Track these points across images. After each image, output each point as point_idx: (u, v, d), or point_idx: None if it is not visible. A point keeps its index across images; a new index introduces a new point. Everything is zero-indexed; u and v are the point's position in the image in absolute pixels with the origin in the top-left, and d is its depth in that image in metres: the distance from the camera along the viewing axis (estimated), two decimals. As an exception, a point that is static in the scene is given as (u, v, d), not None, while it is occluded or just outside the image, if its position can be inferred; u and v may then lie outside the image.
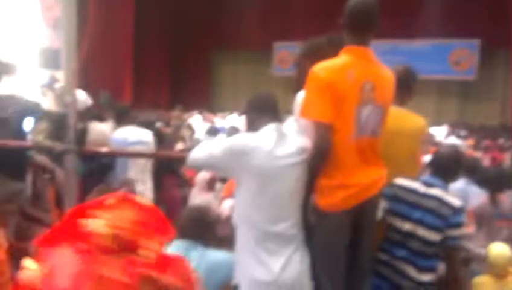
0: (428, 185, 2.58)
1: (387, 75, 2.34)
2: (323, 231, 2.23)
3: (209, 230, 2.57)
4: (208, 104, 17.20)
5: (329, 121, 2.13)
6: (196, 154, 2.30)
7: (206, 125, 10.38)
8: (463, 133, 11.20)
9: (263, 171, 2.11)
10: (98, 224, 1.19)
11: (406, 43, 14.88)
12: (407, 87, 2.91)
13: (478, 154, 7.41)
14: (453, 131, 11.54)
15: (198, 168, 2.41)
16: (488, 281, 3.29)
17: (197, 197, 4.50)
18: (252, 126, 2.27)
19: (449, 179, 2.63)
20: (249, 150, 2.11)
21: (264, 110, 2.27)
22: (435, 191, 2.54)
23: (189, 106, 15.32)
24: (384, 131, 2.51)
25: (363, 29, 2.26)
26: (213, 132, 8.94)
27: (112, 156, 4.01)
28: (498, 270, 3.26)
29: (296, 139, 2.25)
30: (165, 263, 1.22)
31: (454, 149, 2.83)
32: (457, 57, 14.60)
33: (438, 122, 13.06)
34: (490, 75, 14.47)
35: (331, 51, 2.32)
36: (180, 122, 10.69)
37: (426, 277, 2.48)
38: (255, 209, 2.14)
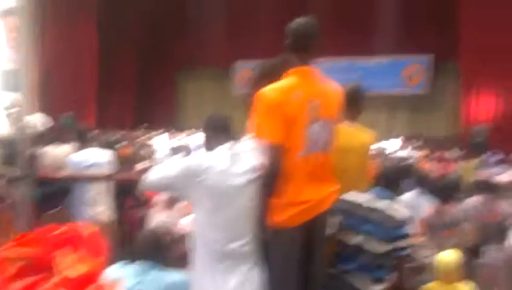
0: (377, 197, 2.69)
1: (332, 91, 2.44)
2: (277, 248, 2.29)
3: (165, 252, 2.59)
4: (173, 122, 17.11)
5: (279, 141, 2.21)
6: (151, 176, 2.33)
7: (173, 143, 10.37)
8: (417, 144, 11.58)
9: (217, 190, 2.17)
10: (9, 250, 1.24)
11: (363, 60, 15.37)
12: (356, 104, 3.04)
13: (432, 165, 7.67)
14: (407, 143, 11.92)
15: (154, 189, 2.45)
16: (436, 287, 3.41)
17: (157, 217, 4.49)
18: (209, 145, 2.34)
19: (397, 190, 2.75)
20: (203, 170, 2.17)
21: (219, 130, 2.34)
22: (382, 204, 2.63)
23: (155, 125, 15.23)
24: (334, 148, 2.63)
25: (305, 50, 2.37)
26: (178, 150, 8.93)
27: (67, 180, 3.99)
28: (445, 277, 3.38)
29: (250, 158, 2.32)
30: (83, 285, 1.25)
31: (401, 161, 2.99)
32: (411, 72, 15.20)
33: (392, 136, 13.48)
34: (441, 87, 15.10)
35: (286, 70, 2.43)
36: (143, 141, 10.64)
37: (377, 288, 2.57)
38: (210, 228, 2.19)
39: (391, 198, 2.68)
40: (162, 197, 4.53)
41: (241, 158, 2.29)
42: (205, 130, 2.41)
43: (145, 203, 4.64)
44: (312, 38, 2.39)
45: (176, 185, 2.24)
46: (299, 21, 2.44)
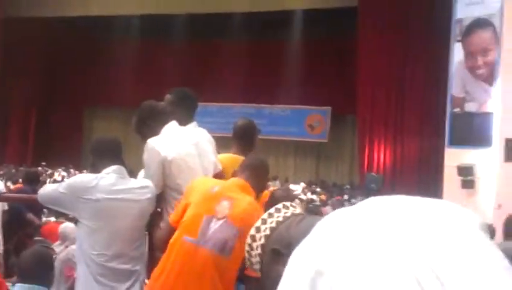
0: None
1: (253, 209, 2.24)
2: None
3: (51, 271, 2.57)
4: (79, 160, 16.49)
5: (174, 225, 2.26)
6: (45, 190, 2.43)
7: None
8: (318, 189, 12.29)
9: (101, 207, 2.24)
10: None
11: (268, 107, 16.21)
12: (249, 138, 3.17)
13: (328, 208, 8.20)
14: (309, 187, 12.60)
15: (48, 204, 2.47)
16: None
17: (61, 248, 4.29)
18: (94, 168, 2.41)
19: None
20: (88, 188, 2.24)
21: (105, 153, 2.42)
22: None
23: (59, 163, 14.63)
24: (228, 177, 2.83)
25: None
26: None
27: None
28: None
29: (138, 180, 2.45)
30: None
31: (287, 193, 3.23)
32: (312, 121, 16.29)
33: (296, 180, 14.24)
34: (340, 137, 16.31)
35: (141, 123, 2.69)
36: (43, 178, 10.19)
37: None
38: (93, 245, 2.24)
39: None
40: (67, 227, 4.37)
41: (129, 179, 2.39)
42: (91, 154, 2.48)
43: (37, 230, 4.46)
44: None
45: (62, 201, 2.30)
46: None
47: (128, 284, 2.29)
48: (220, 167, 2.80)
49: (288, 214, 1.14)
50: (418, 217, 0.52)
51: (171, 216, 2.31)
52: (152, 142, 2.47)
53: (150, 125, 2.60)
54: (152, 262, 2.42)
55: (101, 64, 17.01)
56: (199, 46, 16.09)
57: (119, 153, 2.47)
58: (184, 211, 2.22)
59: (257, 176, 2.38)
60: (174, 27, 15.06)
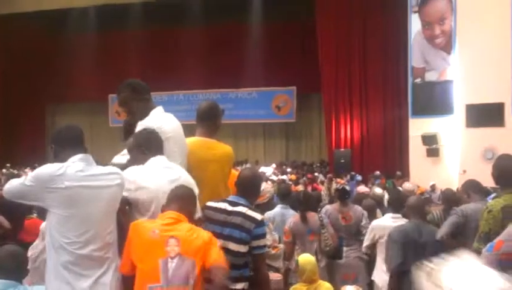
0: (234, 203, 2.91)
1: (193, 233, 2.39)
2: None
3: (22, 265, 2.53)
4: (44, 158, 16.11)
5: (125, 273, 2.35)
6: (10, 184, 2.32)
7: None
8: (288, 169, 12.44)
9: (71, 195, 2.19)
10: None
11: (234, 91, 16.22)
12: (212, 120, 3.20)
13: (300, 187, 8.31)
14: (280, 168, 12.73)
15: (14, 198, 2.39)
16: (300, 287, 3.71)
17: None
18: (57, 159, 2.32)
19: (251, 197, 2.99)
20: (55, 177, 2.18)
21: (67, 142, 2.35)
22: (239, 209, 2.82)
23: (24, 162, 14.27)
24: (197, 159, 2.81)
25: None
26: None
27: None
28: (307, 276, 3.69)
29: (106, 167, 2.39)
30: None
31: (253, 171, 3.26)
32: (278, 102, 16.43)
33: (267, 162, 14.38)
34: (307, 117, 16.52)
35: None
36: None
37: (239, 286, 2.75)
38: (65, 233, 2.19)
39: (245, 204, 2.88)
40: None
41: (96, 166, 2.34)
42: (53, 144, 2.41)
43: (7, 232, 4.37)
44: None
45: (31, 193, 2.23)
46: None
47: (100, 271, 2.27)
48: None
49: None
50: None
51: (121, 266, 2.37)
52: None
53: (145, 153, 2.64)
54: (121, 249, 2.42)
55: (60, 60, 16.57)
56: (158, 35, 15.84)
57: (82, 141, 2.40)
58: (131, 259, 2.32)
59: (185, 204, 2.46)
60: (131, 16, 14.70)
